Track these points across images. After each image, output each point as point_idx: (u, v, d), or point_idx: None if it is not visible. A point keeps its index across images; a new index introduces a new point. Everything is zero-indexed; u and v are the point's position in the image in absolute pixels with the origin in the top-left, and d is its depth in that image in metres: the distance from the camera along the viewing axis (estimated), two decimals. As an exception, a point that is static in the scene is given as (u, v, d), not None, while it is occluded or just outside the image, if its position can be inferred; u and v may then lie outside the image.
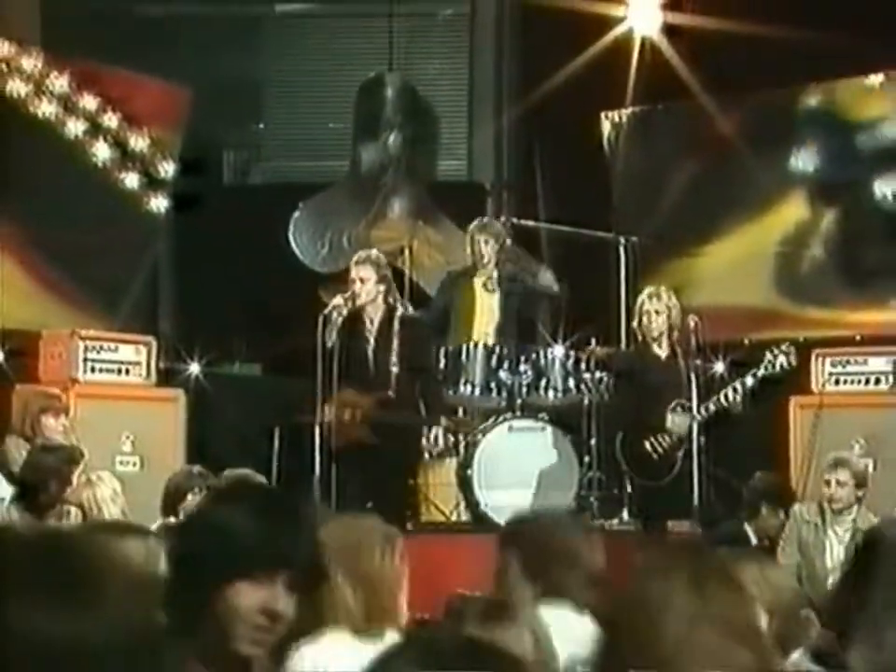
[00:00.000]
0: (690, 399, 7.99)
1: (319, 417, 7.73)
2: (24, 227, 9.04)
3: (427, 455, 8.57)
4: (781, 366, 8.00)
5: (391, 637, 3.41)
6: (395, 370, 7.89)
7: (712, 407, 7.93)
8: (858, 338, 9.28)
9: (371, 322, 7.98)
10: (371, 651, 3.24)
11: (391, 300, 8.02)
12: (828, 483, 7.27)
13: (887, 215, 9.75)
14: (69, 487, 6.33)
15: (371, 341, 7.97)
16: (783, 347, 8.05)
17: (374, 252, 8.35)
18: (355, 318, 7.89)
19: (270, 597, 2.21)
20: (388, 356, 7.92)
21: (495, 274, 8.61)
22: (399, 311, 8.06)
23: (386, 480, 7.78)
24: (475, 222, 8.85)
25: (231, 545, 2.22)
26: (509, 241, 8.75)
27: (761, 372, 7.99)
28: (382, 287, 7.95)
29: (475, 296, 8.66)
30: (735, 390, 7.96)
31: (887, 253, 9.54)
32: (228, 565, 2.20)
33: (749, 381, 8.00)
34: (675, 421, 8.00)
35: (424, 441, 8.35)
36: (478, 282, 8.65)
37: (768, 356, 8.02)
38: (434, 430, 8.37)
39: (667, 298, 8.21)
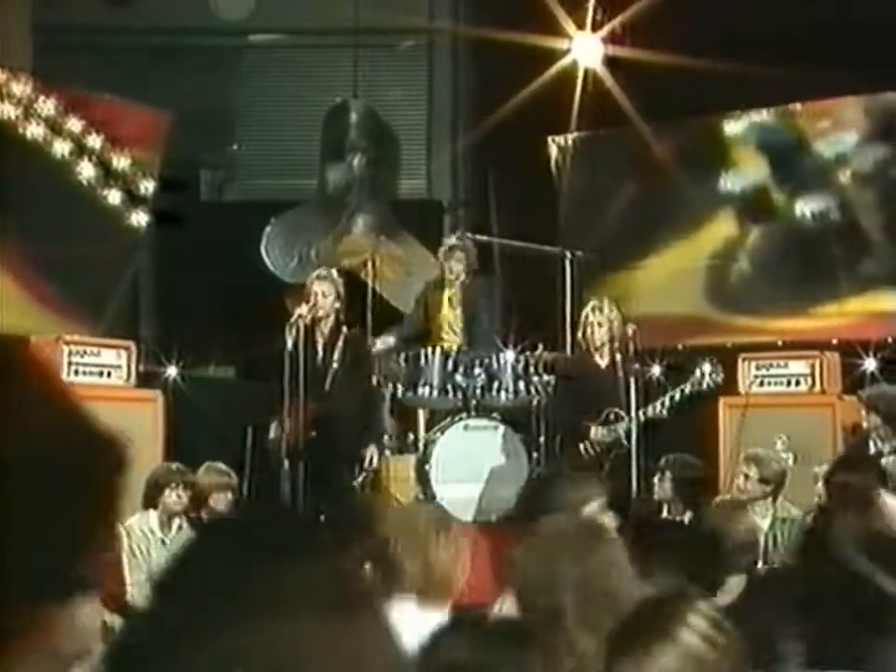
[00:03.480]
0: (622, 408, 8.13)
1: (279, 417, 7.93)
2: (15, 241, 9.10)
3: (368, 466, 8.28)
4: (707, 385, 8.19)
5: (447, 607, 3.90)
6: (338, 381, 8.08)
7: (642, 416, 8.09)
8: (780, 343, 9.62)
9: (323, 335, 8.18)
10: (432, 616, 3.91)
11: (342, 317, 8.23)
12: (737, 475, 7.59)
13: (806, 232, 10.13)
14: None
15: (320, 351, 8.15)
16: (712, 367, 8.22)
17: (333, 271, 8.52)
18: (312, 329, 8.10)
19: None
20: (336, 368, 8.12)
21: (458, 295, 8.87)
22: (345, 329, 8.22)
23: (340, 475, 8.07)
24: (447, 242, 9.09)
25: None
26: (473, 262, 8.90)
27: (688, 389, 8.18)
28: (338, 305, 8.19)
29: (442, 309, 8.95)
30: (663, 403, 8.15)
31: (805, 266, 9.92)
32: None
33: (677, 395, 8.18)
34: (600, 431, 8.18)
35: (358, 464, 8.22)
36: (446, 296, 8.92)
37: (697, 374, 8.21)
38: (370, 450, 8.19)
39: (609, 310, 8.39)
